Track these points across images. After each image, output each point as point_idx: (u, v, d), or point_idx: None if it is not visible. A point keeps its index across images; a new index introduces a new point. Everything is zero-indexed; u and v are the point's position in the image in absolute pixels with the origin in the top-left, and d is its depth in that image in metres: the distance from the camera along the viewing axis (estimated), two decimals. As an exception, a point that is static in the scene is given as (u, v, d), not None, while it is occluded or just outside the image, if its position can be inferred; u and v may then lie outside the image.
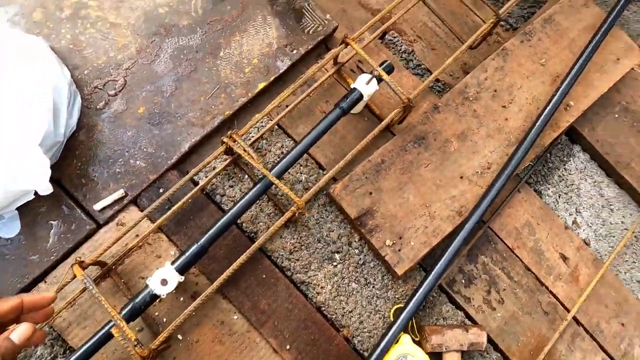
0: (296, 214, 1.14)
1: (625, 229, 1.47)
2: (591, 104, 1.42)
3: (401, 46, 1.65)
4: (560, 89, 1.36)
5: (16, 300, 0.87)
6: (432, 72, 1.64)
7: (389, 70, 1.26)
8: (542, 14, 1.49)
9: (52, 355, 1.13)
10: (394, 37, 1.65)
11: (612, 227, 1.46)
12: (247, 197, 1.15)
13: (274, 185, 1.14)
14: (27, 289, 1.16)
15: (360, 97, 1.23)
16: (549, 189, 1.44)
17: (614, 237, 1.45)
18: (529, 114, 1.36)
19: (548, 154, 1.47)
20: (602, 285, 1.37)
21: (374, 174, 1.25)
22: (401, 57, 1.64)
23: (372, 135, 1.22)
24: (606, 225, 1.46)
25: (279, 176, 1.18)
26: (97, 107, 1.28)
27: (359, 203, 1.23)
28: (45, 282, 1.17)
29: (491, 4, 1.79)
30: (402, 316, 1.17)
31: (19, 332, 0.84)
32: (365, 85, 1.23)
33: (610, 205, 1.48)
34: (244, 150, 1.12)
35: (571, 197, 1.45)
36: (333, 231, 1.26)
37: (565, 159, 1.49)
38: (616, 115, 1.51)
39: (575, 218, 1.43)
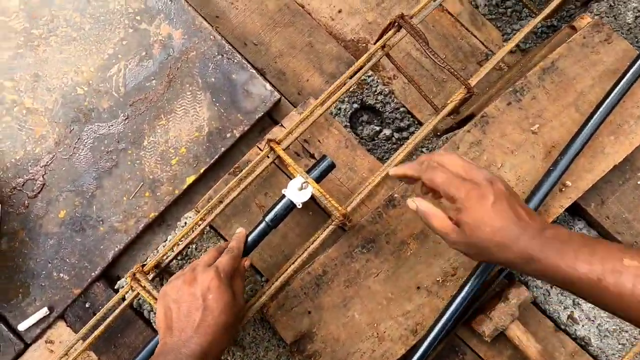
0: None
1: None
2: (597, 180, 1.14)
3: (376, 87, 1.40)
4: (558, 168, 1.10)
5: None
6: (412, 114, 1.40)
7: (327, 168, 1.05)
8: (540, 61, 1.18)
9: None
10: (368, 77, 1.40)
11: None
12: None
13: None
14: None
15: (292, 206, 1.04)
16: (535, 280, 1.21)
17: (626, 331, 1.21)
18: (512, 200, 1.11)
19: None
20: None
21: (313, 289, 1.09)
22: (376, 99, 1.40)
23: (314, 246, 1.05)
24: (614, 318, 1.22)
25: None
26: (18, 211, 1.18)
27: (296, 325, 1.08)
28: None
29: (494, 20, 1.49)
30: None
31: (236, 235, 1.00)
32: (297, 191, 1.04)
33: (621, 292, 1.22)
34: (145, 290, 1.00)
35: (568, 287, 1.21)
36: (271, 351, 1.12)
37: (563, 240, 1.23)
38: (639, 182, 1.21)
39: (571, 312, 1.20)
